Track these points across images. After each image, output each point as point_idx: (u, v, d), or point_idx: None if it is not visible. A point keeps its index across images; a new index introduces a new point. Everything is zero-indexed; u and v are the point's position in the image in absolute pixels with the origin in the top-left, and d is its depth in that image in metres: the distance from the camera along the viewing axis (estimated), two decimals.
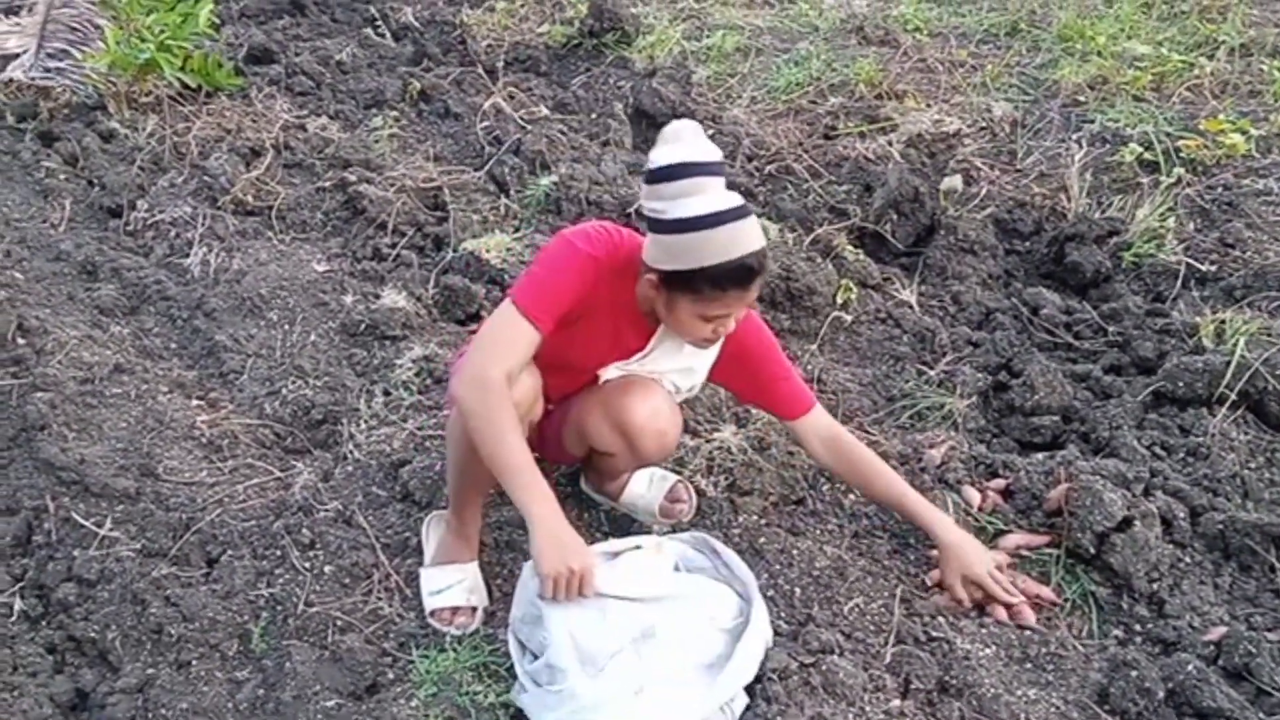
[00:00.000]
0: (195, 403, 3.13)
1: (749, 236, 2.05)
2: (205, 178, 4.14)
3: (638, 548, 2.23)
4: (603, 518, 2.70)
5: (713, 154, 2.08)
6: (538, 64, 5.13)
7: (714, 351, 2.38)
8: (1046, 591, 2.45)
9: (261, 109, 4.63)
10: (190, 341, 3.45)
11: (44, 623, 2.46)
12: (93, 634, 2.38)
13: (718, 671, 2.04)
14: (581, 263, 2.16)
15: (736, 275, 2.05)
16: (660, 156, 2.06)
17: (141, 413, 3.02)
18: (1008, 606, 2.39)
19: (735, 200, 2.06)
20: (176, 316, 3.54)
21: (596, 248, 2.18)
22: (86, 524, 2.60)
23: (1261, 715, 2.14)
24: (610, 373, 2.36)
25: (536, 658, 2.13)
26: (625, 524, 2.65)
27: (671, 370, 2.37)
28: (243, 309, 3.50)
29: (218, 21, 5.09)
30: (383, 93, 4.85)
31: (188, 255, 3.79)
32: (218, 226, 3.89)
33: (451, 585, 2.40)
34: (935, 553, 2.49)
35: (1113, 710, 2.18)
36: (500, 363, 2.07)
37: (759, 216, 3.63)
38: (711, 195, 2.03)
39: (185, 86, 4.65)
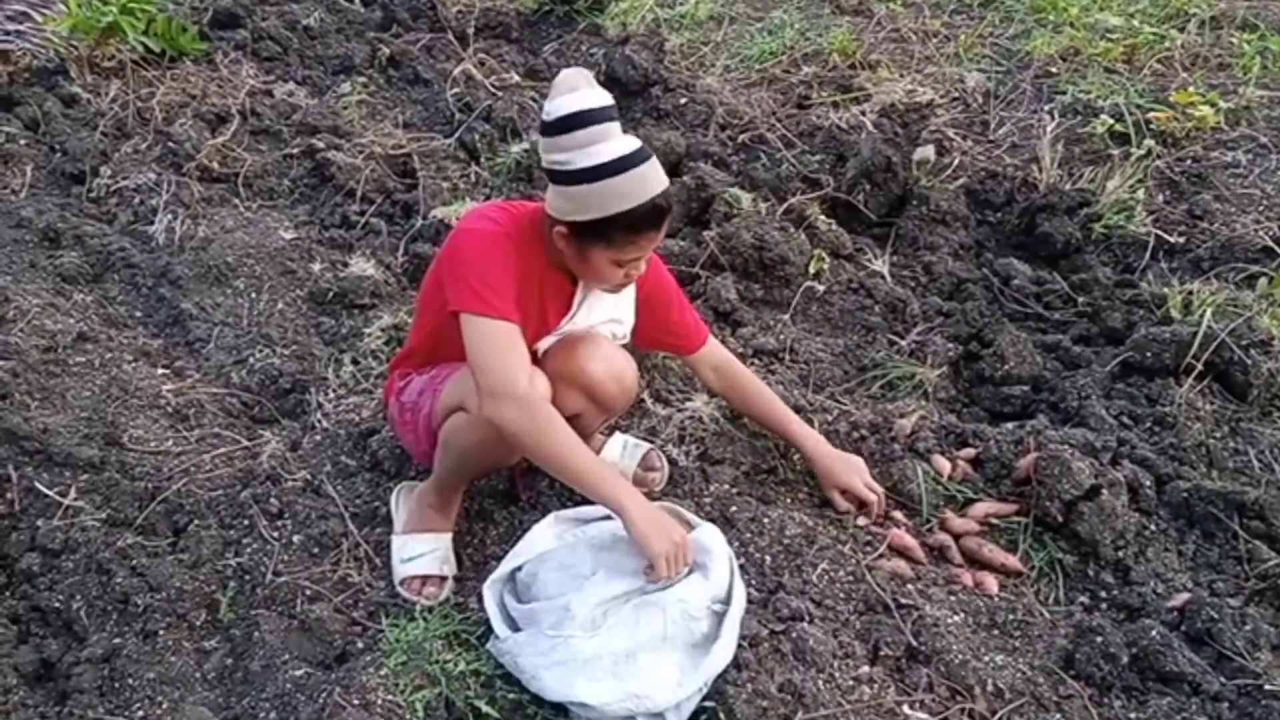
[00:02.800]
0: (161, 371, 3.10)
1: (655, 178, 2.06)
2: (170, 144, 4.08)
3: (608, 517, 2.23)
4: None
5: (606, 99, 2.06)
6: (509, 30, 5.08)
7: (631, 295, 2.42)
8: (1013, 560, 2.47)
9: (227, 74, 4.56)
10: (155, 310, 3.40)
11: (7, 593, 2.43)
12: (57, 604, 2.36)
13: (702, 653, 2.05)
14: (500, 242, 2.15)
15: (649, 217, 2.06)
16: (558, 107, 2.03)
17: (106, 381, 2.98)
18: (868, 504, 2.55)
19: (636, 143, 2.05)
20: (141, 284, 3.49)
21: (502, 224, 2.18)
22: (50, 493, 2.57)
23: (1223, 679, 2.18)
24: (547, 343, 2.35)
25: (521, 603, 2.14)
26: None
27: (601, 323, 2.38)
28: (209, 277, 3.45)
29: None
30: (351, 59, 4.78)
31: (152, 222, 3.73)
32: (183, 193, 3.83)
33: (425, 553, 2.39)
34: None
35: (1078, 675, 2.21)
36: (515, 372, 2.06)
37: (733, 186, 3.63)
38: (614, 141, 2.03)
39: (149, 51, 4.56)
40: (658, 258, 2.52)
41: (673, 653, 2.03)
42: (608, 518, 2.22)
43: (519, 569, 2.21)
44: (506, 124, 4.10)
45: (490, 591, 2.21)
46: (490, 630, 2.18)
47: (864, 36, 4.72)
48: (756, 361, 3.11)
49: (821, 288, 3.39)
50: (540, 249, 2.21)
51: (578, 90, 2.04)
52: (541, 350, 2.34)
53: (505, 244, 2.15)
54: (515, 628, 2.15)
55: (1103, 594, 2.43)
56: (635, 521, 2.05)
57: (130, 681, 2.20)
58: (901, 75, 4.45)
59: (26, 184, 3.92)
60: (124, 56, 4.50)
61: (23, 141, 4.14)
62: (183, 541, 2.52)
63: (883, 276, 3.47)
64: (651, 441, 2.73)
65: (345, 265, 3.48)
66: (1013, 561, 2.47)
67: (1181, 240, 3.45)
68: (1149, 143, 3.80)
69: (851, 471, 2.57)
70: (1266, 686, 2.14)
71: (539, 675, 2.02)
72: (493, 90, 4.39)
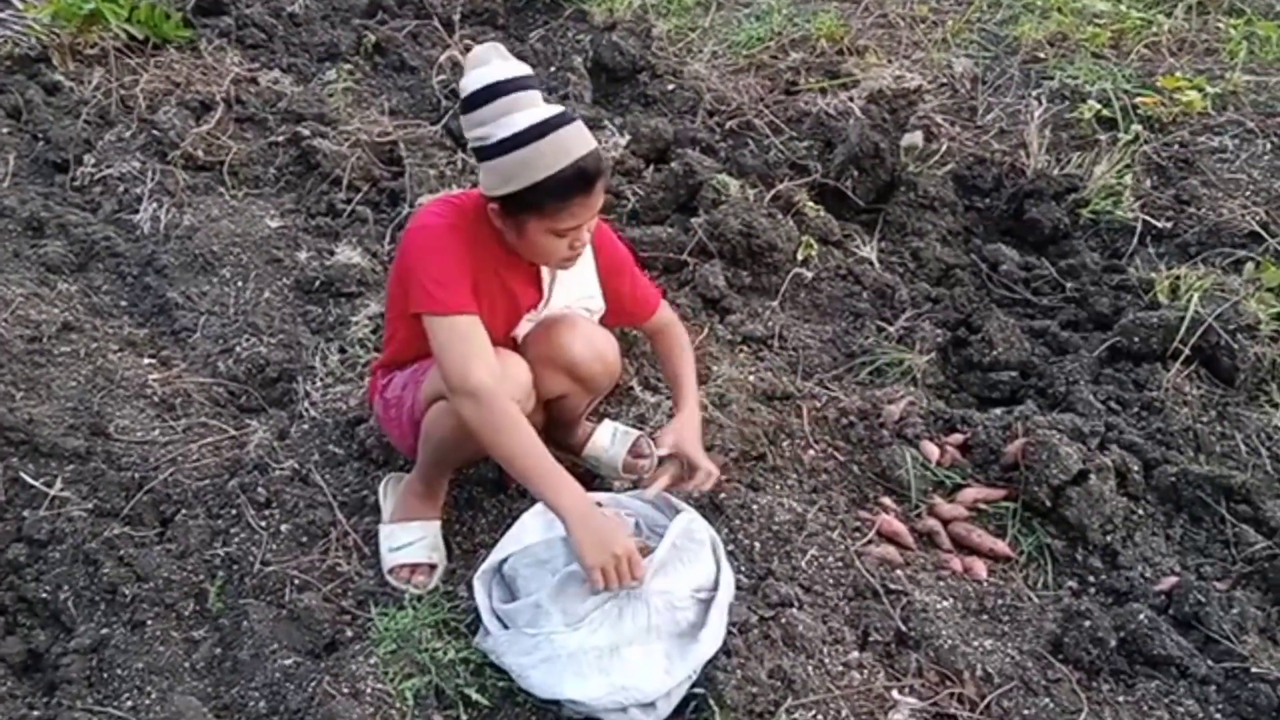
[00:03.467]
0: (147, 361, 3.07)
1: (578, 141, 2.04)
2: (154, 132, 4.04)
3: (598, 505, 2.22)
4: None
5: (521, 70, 2.06)
6: (495, 17, 5.04)
7: (593, 269, 2.40)
8: (1001, 546, 2.48)
9: (211, 62, 4.52)
10: (141, 299, 3.38)
11: None
12: (44, 595, 2.34)
13: (689, 641, 2.05)
14: (446, 236, 2.14)
15: (575, 181, 2.04)
16: (471, 82, 2.03)
17: (91, 371, 2.96)
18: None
19: (557, 109, 2.04)
20: (126, 273, 3.47)
21: (446, 217, 2.16)
22: (36, 484, 2.55)
23: (1210, 662, 2.19)
24: (524, 328, 2.35)
25: (512, 600, 2.14)
26: (587, 480, 2.64)
27: (576, 301, 2.37)
28: (195, 266, 3.43)
29: None
30: (337, 45, 4.74)
31: (137, 211, 3.70)
32: (168, 182, 3.80)
33: (413, 542, 2.39)
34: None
35: (1066, 659, 2.22)
36: (472, 365, 2.04)
37: (720, 173, 3.62)
38: (532, 109, 2.02)
39: (132, 38, 4.52)
40: (609, 231, 2.50)
41: (659, 642, 2.03)
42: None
43: (505, 562, 2.21)
44: None
45: (480, 584, 2.20)
46: (480, 620, 2.17)
47: (852, 22, 4.71)
48: (745, 348, 3.11)
49: (810, 274, 3.39)
50: (491, 234, 2.20)
51: (489, 64, 2.04)
52: (521, 336, 2.33)
53: (450, 235, 2.14)
54: (504, 623, 2.15)
55: (1091, 578, 2.44)
56: (573, 530, 2.00)
57: (118, 672, 2.19)
58: (889, 61, 4.45)
59: (9, 173, 3.88)
60: (107, 44, 4.46)
61: (5, 130, 4.09)
62: (170, 531, 2.51)
63: (871, 263, 3.47)
64: (641, 429, 2.72)
65: (332, 253, 3.46)
66: (1001, 546, 2.48)
67: (1169, 225, 3.46)
68: (1136, 128, 3.81)
69: (693, 443, 2.40)
70: (1253, 669, 2.15)
71: (526, 674, 2.02)
72: None
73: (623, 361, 2.70)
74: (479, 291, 2.15)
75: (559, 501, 2.02)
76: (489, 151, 2.03)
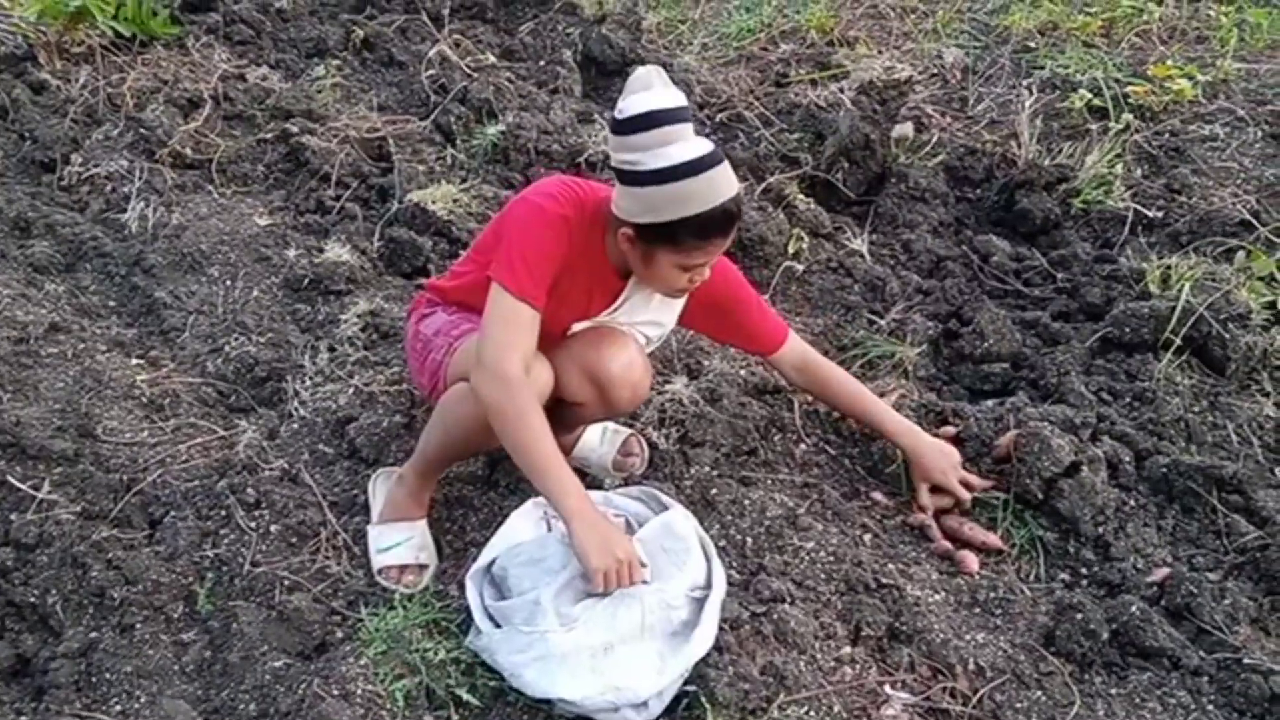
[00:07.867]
0: (135, 361, 3.06)
1: (726, 181, 2.02)
2: (142, 130, 4.01)
3: None
4: None
5: (680, 100, 2.02)
6: (484, 10, 5.01)
7: (681, 301, 2.37)
8: (993, 539, 2.47)
9: (199, 59, 4.49)
10: (129, 299, 3.36)
11: None
12: (32, 599, 2.33)
13: (682, 640, 2.04)
14: (555, 224, 2.12)
15: (719, 222, 2.03)
16: (631, 105, 1.99)
17: (79, 372, 2.94)
18: (960, 501, 2.54)
19: (709, 146, 2.01)
20: (114, 273, 3.45)
21: (565, 206, 2.13)
22: (23, 487, 2.53)
23: (1202, 654, 2.19)
24: (581, 325, 2.32)
25: (503, 599, 2.13)
26: (579, 478, 2.62)
27: (641, 323, 2.34)
28: (183, 265, 3.41)
29: None
30: (325, 41, 4.71)
31: (125, 210, 3.67)
32: (155, 180, 3.78)
33: (400, 543, 2.38)
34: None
35: (1059, 652, 2.22)
36: (512, 353, 2.04)
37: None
38: (687, 143, 1.99)
39: (119, 36, 4.48)
40: (727, 261, 2.43)
41: (652, 642, 2.02)
42: None
43: (493, 562, 2.20)
44: (482, 105, 4.05)
45: (472, 583, 2.19)
46: (471, 619, 2.17)
47: (842, 13, 4.70)
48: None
49: (800, 267, 3.38)
50: (597, 238, 2.18)
51: (651, 89, 2.00)
52: (574, 330, 2.31)
53: (559, 226, 2.12)
54: (497, 623, 2.14)
55: (1083, 570, 2.44)
56: (576, 532, 2.01)
57: (108, 675, 2.18)
58: (880, 52, 4.43)
59: None
60: (94, 42, 4.42)
61: None
62: (159, 533, 2.49)
63: (862, 255, 3.46)
64: (631, 426, 2.71)
65: (321, 251, 3.44)
66: (993, 539, 2.48)
67: (1160, 215, 3.45)
68: (1127, 117, 3.80)
69: (946, 467, 2.54)
70: (1245, 660, 2.15)
71: (518, 673, 2.01)
72: (468, 71, 4.35)
73: None
74: (557, 288, 2.14)
75: (565, 502, 2.02)
76: (638, 178, 1.99)
